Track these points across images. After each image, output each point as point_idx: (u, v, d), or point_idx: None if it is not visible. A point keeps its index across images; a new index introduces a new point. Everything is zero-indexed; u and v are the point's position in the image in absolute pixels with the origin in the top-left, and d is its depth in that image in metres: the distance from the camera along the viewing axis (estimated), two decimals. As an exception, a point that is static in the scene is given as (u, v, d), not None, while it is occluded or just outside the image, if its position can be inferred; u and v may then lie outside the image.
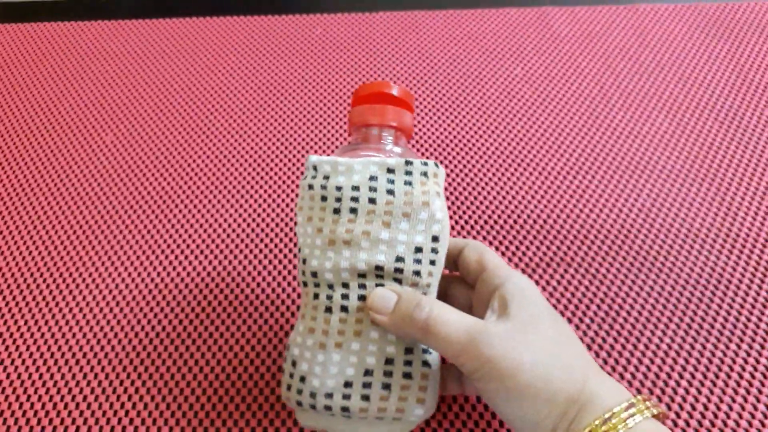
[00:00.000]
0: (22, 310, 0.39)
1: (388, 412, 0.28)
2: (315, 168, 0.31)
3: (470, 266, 0.31)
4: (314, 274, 0.29)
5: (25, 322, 0.38)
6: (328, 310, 0.29)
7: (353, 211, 0.29)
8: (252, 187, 0.45)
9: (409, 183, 0.30)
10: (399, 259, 0.29)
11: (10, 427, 0.34)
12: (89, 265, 0.41)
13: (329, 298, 0.29)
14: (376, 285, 0.29)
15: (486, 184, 0.45)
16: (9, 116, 0.50)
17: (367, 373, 0.28)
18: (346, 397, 0.28)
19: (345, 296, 0.29)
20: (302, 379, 0.29)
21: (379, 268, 0.29)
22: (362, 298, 0.29)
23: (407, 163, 0.30)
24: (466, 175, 0.45)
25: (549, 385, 0.25)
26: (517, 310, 0.27)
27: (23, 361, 0.36)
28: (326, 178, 0.30)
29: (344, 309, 0.29)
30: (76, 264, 0.41)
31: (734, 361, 0.35)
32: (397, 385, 0.28)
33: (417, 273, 0.29)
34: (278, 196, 0.44)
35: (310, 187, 0.31)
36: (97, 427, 0.34)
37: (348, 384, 0.28)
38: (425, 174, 0.30)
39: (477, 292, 0.31)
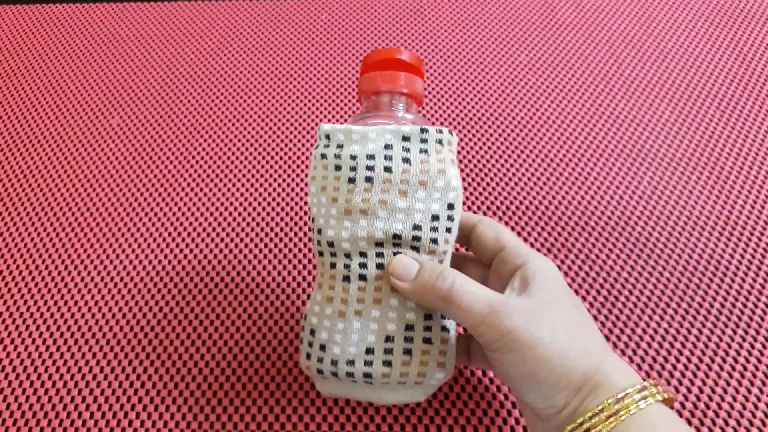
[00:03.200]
0: (31, 291, 0.39)
1: (410, 377, 0.29)
2: (328, 137, 0.30)
3: (487, 243, 0.31)
4: (330, 244, 0.29)
5: (35, 303, 0.39)
6: (346, 279, 0.29)
7: (369, 180, 0.29)
8: (258, 170, 0.45)
9: (425, 151, 0.30)
10: (416, 227, 0.29)
11: (24, 407, 0.35)
12: (97, 247, 0.41)
13: (347, 267, 0.29)
14: (394, 253, 0.29)
15: (489, 170, 0.45)
16: (15, 98, 0.51)
17: (388, 339, 0.28)
18: (368, 363, 0.28)
19: (363, 265, 0.29)
20: (322, 347, 0.29)
21: (396, 236, 0.29)
22: (380, 266, 0.29)
23: (422, 131, 0.30)
24: (470, 161, 0.46)
25: (566, 360, 0.26)
26: (538, 290, 0.27)
27: (33, 341, 0.37)
28: (340, 147, 0.30)
29: (363, 277, 0.29)
30: (84, 246, 0.41)
31: (729, 345, 0.36)
32: (418, 350, 0.29)
33: (434, 241, 0.29)
34: (283, 180, 0.45)
35: (323, 156, 0.30)
36: (107, 405, 0.35)
37: (369, 351, 0.28)
38: (440, 141, 0.30)
39: (495, 270, 0.31)
